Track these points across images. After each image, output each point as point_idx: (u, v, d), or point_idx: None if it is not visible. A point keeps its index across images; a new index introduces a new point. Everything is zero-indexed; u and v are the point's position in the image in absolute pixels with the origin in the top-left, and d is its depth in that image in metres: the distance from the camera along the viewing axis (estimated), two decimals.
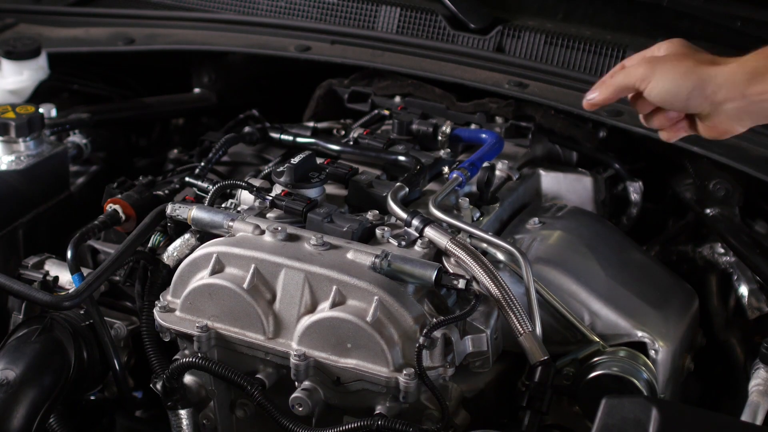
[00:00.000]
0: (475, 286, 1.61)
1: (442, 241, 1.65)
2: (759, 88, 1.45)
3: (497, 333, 1.63)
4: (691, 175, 2.10)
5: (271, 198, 1.76)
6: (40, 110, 2.09)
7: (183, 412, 1.69)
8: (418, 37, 2.32)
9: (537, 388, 1.58)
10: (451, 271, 1.63)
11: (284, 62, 2.37)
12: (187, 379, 1.70)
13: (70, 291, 1.75)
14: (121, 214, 1.87)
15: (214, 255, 1.65)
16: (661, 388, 1.70)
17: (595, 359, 1.70)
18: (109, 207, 1.88)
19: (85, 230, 1.82)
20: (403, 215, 1.70)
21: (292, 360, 1.58)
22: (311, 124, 2.15)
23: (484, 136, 2.00)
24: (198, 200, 1.87)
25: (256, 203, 1.79)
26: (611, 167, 2.11)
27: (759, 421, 1.54)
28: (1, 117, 2.03)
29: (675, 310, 1.80)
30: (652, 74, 1.50)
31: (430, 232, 1.66)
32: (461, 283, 1.58)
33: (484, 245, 1.71)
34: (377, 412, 1.58)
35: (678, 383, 1.79)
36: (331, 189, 1.84)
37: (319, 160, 1.85)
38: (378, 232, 1.70)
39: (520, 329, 1.59)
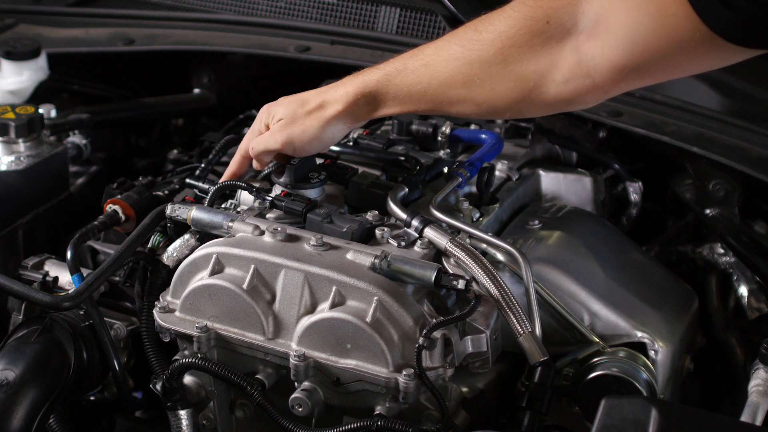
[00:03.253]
0: (474, 286, 1.61)
1: (442, 241, 1.65)
2: None
3: (497, 333, 1.62)
4: (690, 175, 2.10)
5: (270, 198, 1.76)
6: (40, 111, 2.09)
7: (183, 413, 1.69)
8: (418, 37, 2.32)
9: (537, 388, 1.58)
10: (451, 271, 1.63)
11: (284, 62, 2.37)
12: (187, 379, 1.69)
13: (69, 291, 1.75)
14: (120, 214, 1.87)
15: (214, 255, 1.65)
16: (660, 389, 1.70)
17: (595, 360, 1.70)
18: (109, 207, 1.88)
19: (84, 231, 1.82)
20: (403, 216, 1.70)
21: (292, 360, 1.58)
22: None
23: (483, 136, 2.00)
24: (198, 201, 1.87)
25: (256, 204, 1.79)
26: (611, 167, 2.10)
27: (759, 422, 1.54)
28: (0, 117, 2.02)
29: (675, 311, 1.80)
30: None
31: (429, 232, 1.66)
32: (461, 284, 1.58)
33: (484, 246, 1.71)
34: (377, 412, 1.57)
35: (678, 384, 1.79)
36: (331, 189, 1.84)
37: (318, 161, 1.85)
38: (378, 232, 1.70)
39: (520, 330, 1.58)
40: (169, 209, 1.77)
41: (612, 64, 1.49)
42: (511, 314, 1.59)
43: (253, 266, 1.62)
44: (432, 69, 1.62)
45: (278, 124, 1.75)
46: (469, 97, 1.61)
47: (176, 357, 1.69)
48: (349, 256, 1.62)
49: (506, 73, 1.56)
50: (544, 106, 1.59)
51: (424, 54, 1.65)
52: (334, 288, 1.58)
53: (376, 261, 1.60)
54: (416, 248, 1.66)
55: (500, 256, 1.70)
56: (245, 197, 1.83)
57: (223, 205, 1.82)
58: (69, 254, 1.76)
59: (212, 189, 1.82)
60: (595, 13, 1.48)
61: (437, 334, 1.54)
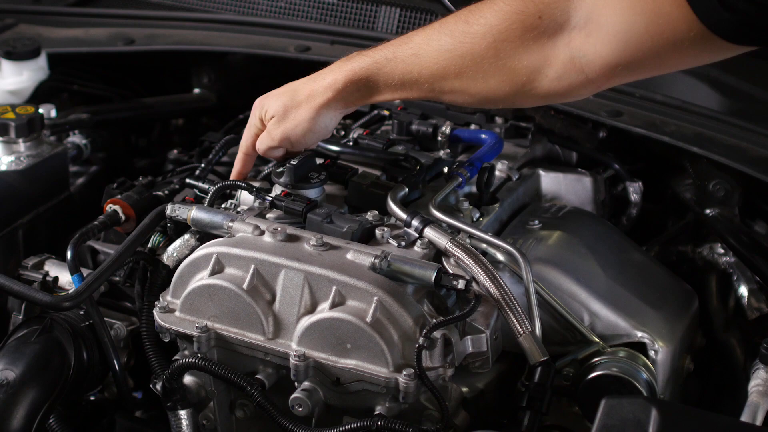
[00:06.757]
0: (474, 286, 1.61)
1: (442, 241, 1.65)
2: None
3: (497, 333, 1.62)
4: (690, 175, 2.10)
5: (270, 198, 1.76)
6: (40, 110, 2.09)
7: (183, 413, 1.69)
8: None
9: (537, 388, 1.58)
10: (451, 271, 1.63)
11: (284, 62, 2.37)
12: (187, 379, 1.69)
13: (69, 291, 1.75)
14: (120, 214, 1.87)
15: (214, 255, 1.65)
16: (660, 389, 1.70)
17: (595, 360, 1.70)
18: (109, 207, 1.88)
19: (84, 231, 1.82)
20: (403, 216, 1.70)
21: (292, 360, 1.58)
22: None
23: (483, 136, 2.00)
24: (198, 201, 1.87)
25: (256, 204, 1.79)
26: (611, 167, 2.11)
27: (759, 422, 1.54)
28: (0, 117, 2.02)
29: (675, 311, 1.80)
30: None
31: (429, 232, 1.66)
32: (461, 284, 1.58)
33: (484, 246, 1.70)
34: (377, 412, 1.57)
35: (678, 384, 1.79)
36: (331, 189, 1.84)
37: (318, 161, 1.86)
38: (378, 232, 1.70)
39: (520, 330, 1.58)
40: (169, 209, 1.77)
41: (604, 61, 1.49)
42: (511, 314, 1.59)
43: (253, 266, 1.62)
44: (422, 59, 1.61)
45: (271, 121, 1.76)
46: (461, 88, 1.61)
47: (176, 357, 1.69)
48: (349, 256, 1.62)
49: (498, 67, 1.56)
50: (537, 98, 1.60)
51: (413, 42, 1.63)
52: (334, 288, 1.58)
53: (376, 261, 1.60)
54: (416, 248, 1.66)
55: (500, 256, 1.70)
56: (245, 197, 1.83)
57: (223, 205, 1.82)
58: (69, 254, 1.76)
59: (212, 189, 1.82)
60: (587, 10, 1.48)
61: (437, 334, 1.54)
